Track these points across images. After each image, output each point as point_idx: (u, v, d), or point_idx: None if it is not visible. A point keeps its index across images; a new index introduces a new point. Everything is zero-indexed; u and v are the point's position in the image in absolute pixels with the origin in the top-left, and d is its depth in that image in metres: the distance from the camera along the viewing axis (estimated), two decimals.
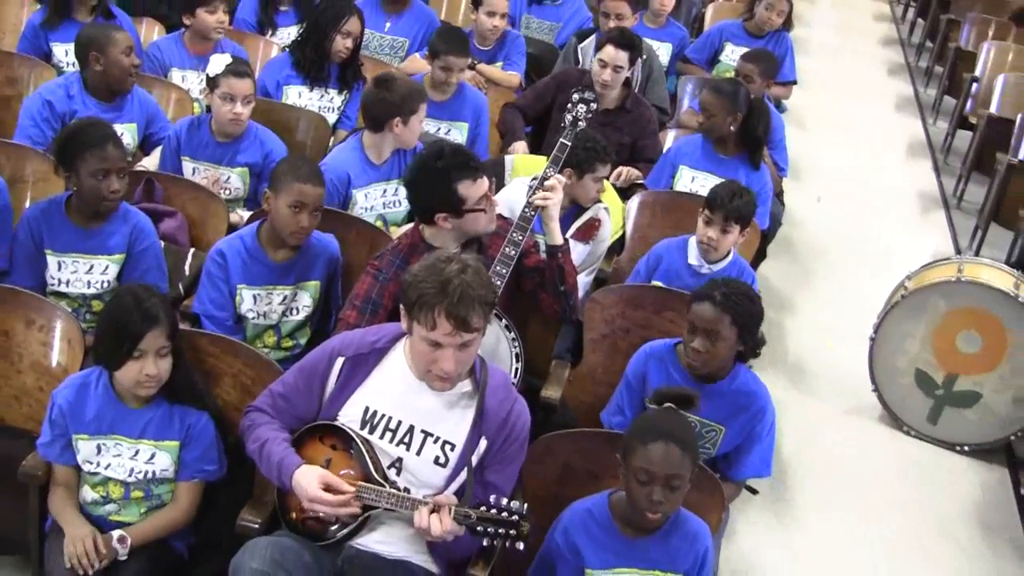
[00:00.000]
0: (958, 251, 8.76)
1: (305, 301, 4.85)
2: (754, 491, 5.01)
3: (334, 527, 3.71)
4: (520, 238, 4.51)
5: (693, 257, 5.33)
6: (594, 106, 4.95)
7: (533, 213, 4.64)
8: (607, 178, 5.69)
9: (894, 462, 6.41)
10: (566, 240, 4.75)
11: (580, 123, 4.90)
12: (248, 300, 4.73)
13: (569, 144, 4.81)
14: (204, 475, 4.02)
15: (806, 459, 6.10)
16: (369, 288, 4.43)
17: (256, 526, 3.86)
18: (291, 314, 4.85)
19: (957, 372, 6.43)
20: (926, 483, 6.27)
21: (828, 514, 5.84)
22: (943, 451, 6.55)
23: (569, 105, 4.91)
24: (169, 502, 4.01)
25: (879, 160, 10.81)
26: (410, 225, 4.74)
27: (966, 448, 6.54)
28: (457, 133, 6.40)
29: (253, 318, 4.76)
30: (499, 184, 5.70)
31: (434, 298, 3.50)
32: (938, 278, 6.41)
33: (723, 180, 5.67)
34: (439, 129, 6.38)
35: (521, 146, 6.62)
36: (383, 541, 3.71)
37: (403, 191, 5.57)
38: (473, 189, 4.43)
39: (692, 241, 5.36)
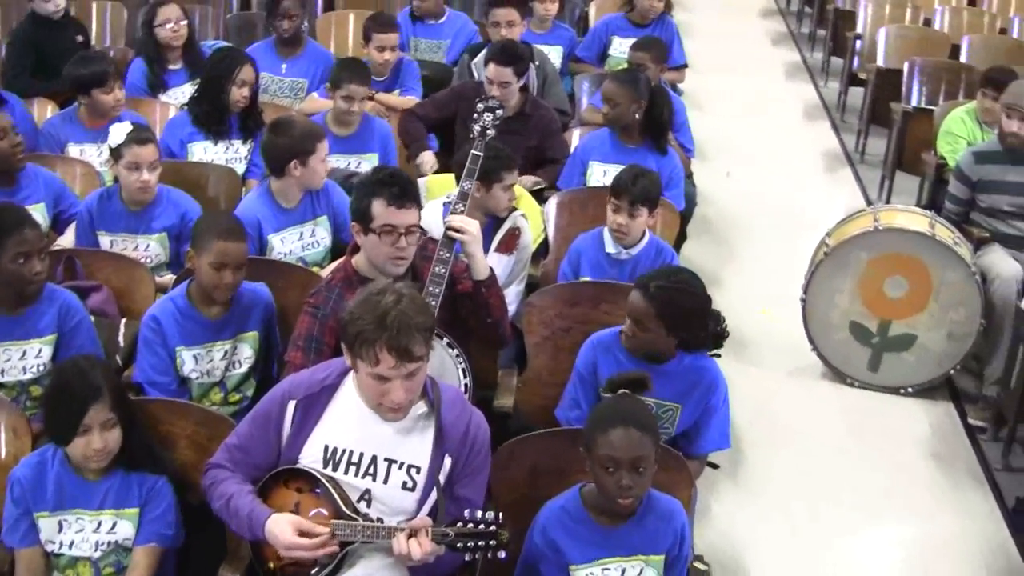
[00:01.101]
0: (868, 203, 8.91)
1: (246, 353, 4.85)
2: (715, 466, 5.06)
3: (314, 570, 3.70)
4: (447, 255, 4.49)
5: (610, 246, 5.41)
6: (500, 112, 4.96)
7: (452, 241, 4.57)
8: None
9: (844, 415, 6.54)
10: (490, 276, 4.67)
11: (489, 132, 4.91)
12: (189, 361, 4.72)
13: (481, 154, 4.83)
14: (161, 540, 3.97)
15: (760, 427, 6.19)
16: (309, 327, 4.43)
17: None
18: (234, 368, 4.84)
19: (890, 318, 6.56)
20: (878, 430, 6.41)
21: (792, 476, 5.95)
22: (888, 396, 6.69)
23: (475, 115, 4.95)
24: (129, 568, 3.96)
25: (779, 128, 10.98)
26: (343, 259, 4.75)
27: (909, 390, 6.69)
28: (367, 165, 6.41)
29: (197, 378, 4.75)
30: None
31: (373, 333, 3.50)
32: (856, 230, 6.55)
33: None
34: (348, 164, 6.40)
35: (428, 156, 6.66)
36: (365, 574, 3.71)
37: (320, 232, 5.59)
38: (385, 212, 4.36)
39: (606, 231, 5.44)
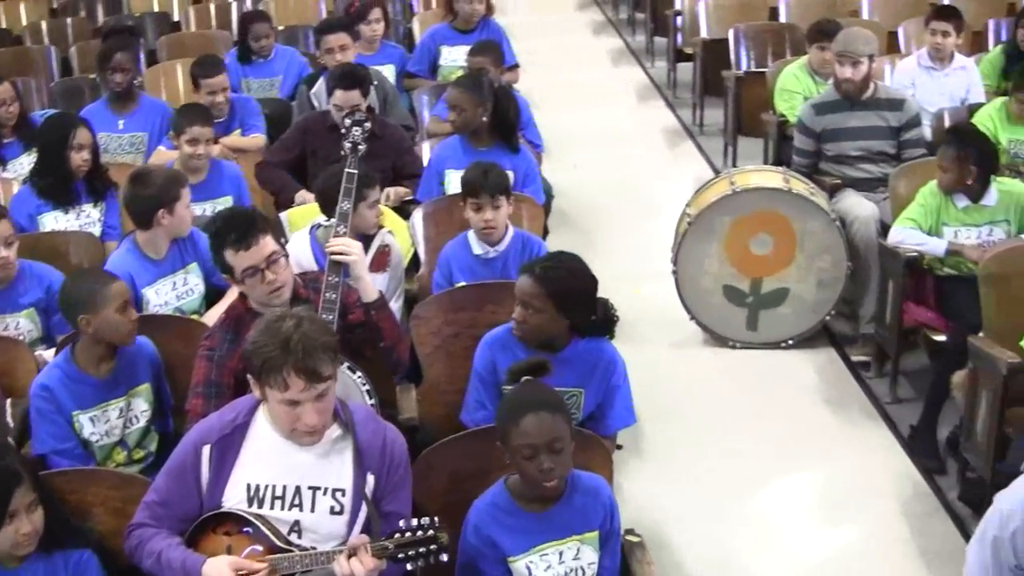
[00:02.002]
0: (716, 172, 9.08)
1: (142, 407, 4.79)
2: (618, 446, 5.13)
3: None
4: (335, 280, 4.49)
5: (477, 247, 5.48)
6: (368, 126, 4.97)
7: (339, 264, 4.59)
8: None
9: (731, 376, 6.71)
10: (378, 298, 4.70)
11: (360, 147, 4.91)
12: (87, 425, 4.64)
13: (355, 172, 4.82)
14: None
15: (653, 401, 6.23)
16: (207, 371, 4.39)
17: None
18: (132, 424, 4.77)
19: (760, 275, 6.73)
20: (767, 385, 6.59)
21: (694, 442, 6.09)
22: (771, 351, 6.87)
23: (344, 131, 4.95)
24: None
25: (616, 113, 11.16)
26: (233, 295, 4.71)
27: (790, 342, 6.87)
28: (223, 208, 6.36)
29: (97, 440, 4.67)
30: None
31: (279, 359, 3.50)
32: (715, 196, 6.71)
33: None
34: (205, 210, 6.34)
35: (308, 195, 6.63)
36: None
37: (192, 279, 5.55)
38: (236, 259, 4.39)
39: (470, 234, 5.50)
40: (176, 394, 4.85)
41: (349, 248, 4.53)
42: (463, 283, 5.41)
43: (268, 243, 4.43)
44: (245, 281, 4.40)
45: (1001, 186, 6.08)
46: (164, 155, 7.02)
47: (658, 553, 4.95)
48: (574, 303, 4.46)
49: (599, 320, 4.59)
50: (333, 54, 7.67)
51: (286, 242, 5.61)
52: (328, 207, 5.45)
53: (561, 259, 4.57)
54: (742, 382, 6.62)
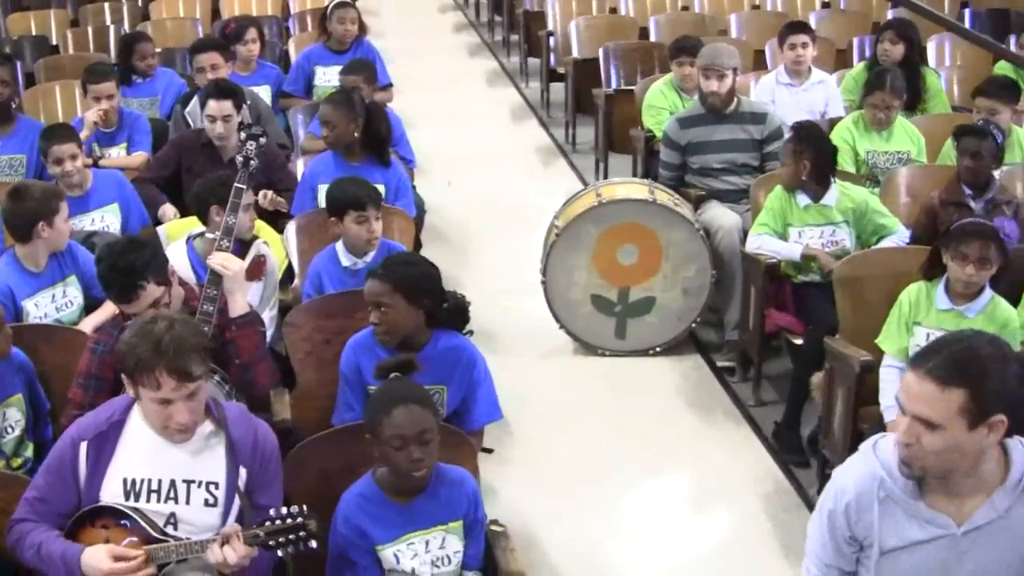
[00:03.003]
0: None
1: (15, 417, 4.80)
2: (489, 450, 5.28)
3: None
4: (214, 292, 4.59)
5: (345, 260, 5.63)
6: (263, 140, 5.05)
7: (219, 278, 4.67)
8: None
9: (602, 383, 6.89)
10: (246, 314, 4.75)
11: (252, 161, 4.99)
12: None
13: (244, 187, 4.90)
14: None
15: (525, 409, 6.39)
16: (89, 364, 4.52)
17: None
18: (6, 434, 4.79)
19: (628, 285, 6.94)
20: (636, 391, 6.79)
21: (565, 448, 6.25)
22: (639, 359, 7.08)
23: (234, 136, 5.03)
24: None
25: (490, 133, 11.33)
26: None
27: (657, 349, 7.08)
28: (111, 216, 6.41)
29: None
30: None
31: (151, 359, 3.62)
32: (582, 208, 6.90)
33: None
34: (93, 220, 6.38)
35: (168, 208, 6.71)
36: None
37: (71, 291, 5.60)
38: (128, 307, 4.52)
39: (338, 246, 5.66)
40: (55, 400, 4.90)
41: (228, 263, 4.65)
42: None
43: (152, 291, 4.51)
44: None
45: (843, 189, 6.33)
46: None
47: (528, 551, 5.13)
48: (420, 291, 4.65)
49: (451, 309, 4.78)
50: (205, 73, 7.78)
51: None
52: (202, 212, 5.55)
53: (399, 255, 4.84)
54: (612, 388, 6.81)
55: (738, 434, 6.35)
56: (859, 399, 5.31)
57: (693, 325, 7.06)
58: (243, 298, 4.75)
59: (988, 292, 5.21)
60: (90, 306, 5.63)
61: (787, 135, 7.42)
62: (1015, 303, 5.34)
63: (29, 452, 4.87)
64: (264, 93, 8.49)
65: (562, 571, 5.27)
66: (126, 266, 4.47)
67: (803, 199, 6.30)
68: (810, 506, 5.64)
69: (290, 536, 3.60)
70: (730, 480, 5.96)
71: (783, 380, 6.58)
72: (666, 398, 6.71)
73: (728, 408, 6.59)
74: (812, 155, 6.23)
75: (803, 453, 5.99)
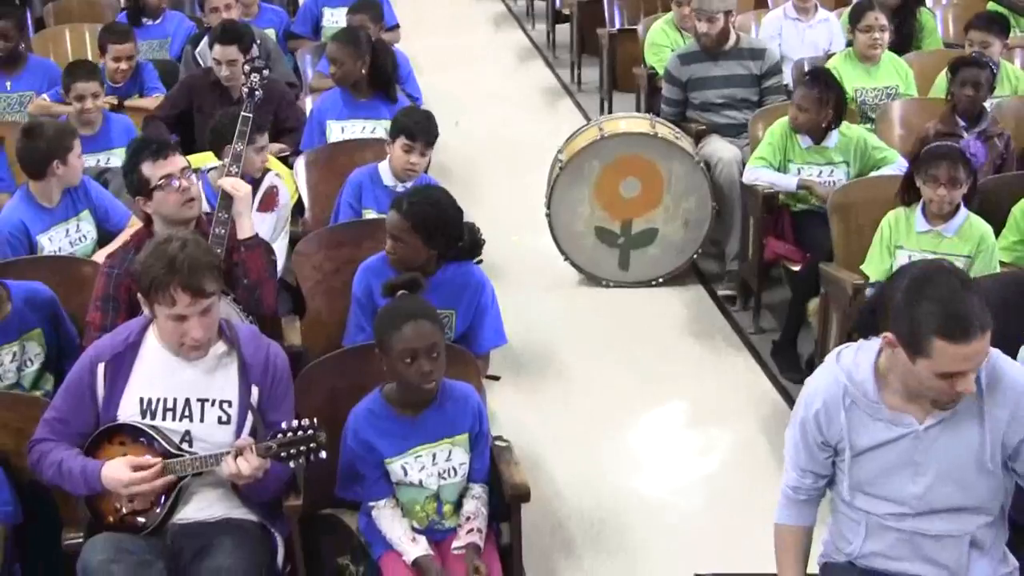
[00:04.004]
0: None
1: (35, 351, 4.92)
2: (496, 377, 5.42)
3: (157, 510, 3.92)
4: (225, 216, 4.75)
5: (388, 179, 5.78)
6: (267, 72, 5.23)
7: (230, 202, 4.83)
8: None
9: (605, 314, 7.05)
10: (252, 236, 4.91)
11: (257, 92, 5.16)
12: None
13: (251, 115, 5.08)
14: (2, 517, 4.10)
15: (531, 339, 6.59)
16: (105, 286, 4.66)
17: (81, 539, 3.98)
18: (27, 366, 4.91)
19: (630, 217, 7.09)
20: (639, 321, 6.96)
21: (569, 376, 6.43)
22: (643, 290, 7.25)
23: (243, 78, 5.18)
24: None
25: (497, 75, 11.48)
26: (126, 235, 4.93)
27: (660, 280, 7.25)
28: (116, 160, 6.53)
29: None
30: None
31: (166, 276, 3.77)
32: (585, 142, 7.05)
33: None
34: (99, 161, 6.53)
35: None
36: (201, 508, 3.97)
37: (84, 226, 5.74)
38: (154, 168, 4.66)
39: (381, 166, 5.81)
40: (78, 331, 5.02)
41: (237, 185, 4.81)
42: (372, 211, 5.72)
43: (180, 159, 4.76)
44: (157, 194, 4.66)
45: (842, 130, 6.44)
46: (45, 105, 7.19)
47: (532, 471, 5.26)
48: (439, 234, 4.77)
49: (466, 245, 4.91)
50: (218, 12, 7.88)
51: None
52: (219, 146, 5.70)
53: (427, 193, 4.90)
54: (615, 319, 6.97)
55: (738, 360, 6.53)
56: (852, 321, 5.44)
57: (695, 256, 7.22)
58: (250, 221, 4.91)
59: (963, 211, 5.39)
60: (103, 240, 5.78)
61: (788, 70, 7.60)
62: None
63: (49, 385, 4.99)
64: (270, 35, 8.59)
65: (565, 492, 5.44)
66: (159, 135, 4.73)
67: (806, 140, 6.42)
68: None
69: (301, 448, 3.76)
70: (730, 403, 6.14)
71: (782, 309, 6.72)
72: (668, 327, 6.88)
73: (729, 336, 6.76)
74: (834, 102, 6.35)
75: (801, 371, 6.15)
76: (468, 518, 4.10)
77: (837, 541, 3.64)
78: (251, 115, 5.10)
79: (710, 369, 6.46)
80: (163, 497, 3.93)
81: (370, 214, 5.72)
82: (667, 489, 5.53)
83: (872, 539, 3.52)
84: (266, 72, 5.23)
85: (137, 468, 3.83)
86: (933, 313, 3.13)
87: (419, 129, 5.72)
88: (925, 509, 3.42)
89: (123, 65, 7.50)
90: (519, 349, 6.46)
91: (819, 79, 6.45)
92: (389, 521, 4.06)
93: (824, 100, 6.31)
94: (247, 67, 5.24)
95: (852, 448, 3.45)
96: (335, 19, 8.76)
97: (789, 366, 6.26)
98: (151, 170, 4.66)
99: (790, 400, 6.04)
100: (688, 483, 5.59)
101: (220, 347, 4.01)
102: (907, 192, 5.46)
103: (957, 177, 5.26)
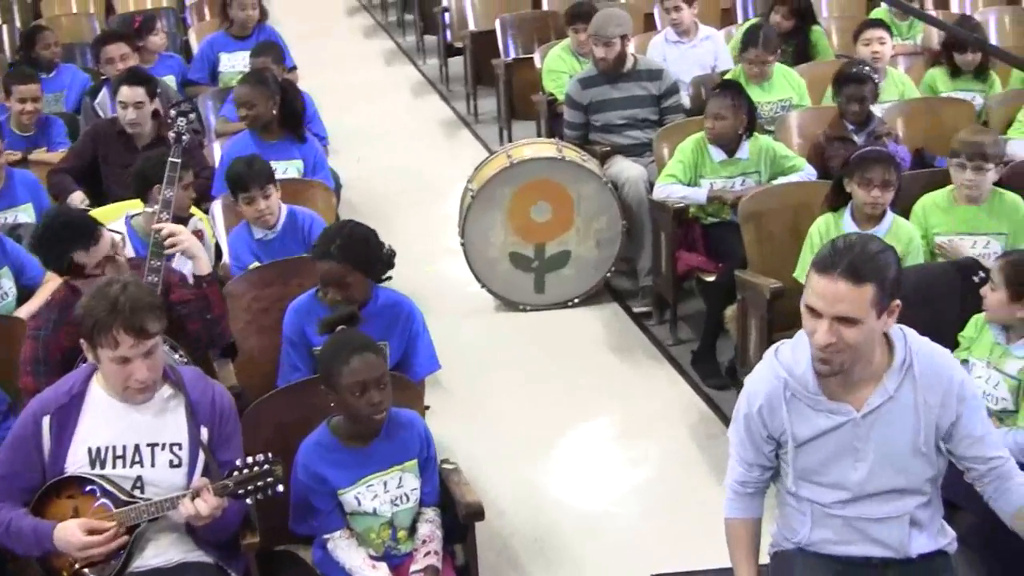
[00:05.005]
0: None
1: None
2: (425, 407, 5.49)
3: (113, 562, 3.90)
4: (157, 264, 4.75)
5: (257, 233, 5.88)
6: (192, 116, 5.25)
7: (162, 249, 4.80)
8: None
9: (526, 337, 7.18)
10: (211, 272, 4.99)
11: (184, 136, 5.18)
12: None
13: (179, 160, 5.08)
14: None
15: (455, 367, 6.58)
16: (33, 350, 4.60)
17: None
18: None
19: (543, 240, 7.24)
20: (559, 341, 7.09)
21: (497, 399, 6.55)
22: (560, 311, 7.39)
23: (170, 121, 5.21)
24: None
25: (393, 111, 11.56)
26: (47, 291, 4.92)
27: (576, 301, 7.39)
28: (25, 215, 6.53)
29: None
30: None
31: (109, 319, 3.79)
32: (494, 170, 7.18)
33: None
34: (5, 219, 6.49)
35: (78, 194, 6.77)
36: (157, 554, 3.97)
37: (5, 283, 5.66)
38: (89, 256, 4.62)
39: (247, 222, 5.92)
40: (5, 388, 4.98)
41: (176, 232, 4.83)
42: (255, 265, 5.77)
43: (107, 236, 4.71)
44: (90, 277, 4.60)
45: (753, 139, 6.64)
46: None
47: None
48: (372, 261, 4.90)
49: (384, 262, 5.02)
50: (114, 64, 7.88)
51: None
52: (144, 191, 5.70)
53: (343, 231, 4.94)
54: (535, 341, 7.10)
55: (660, 372, 6.67)
56: (771, 325, 5.60)
57: (608, 275, 7.37)
58: (206, 257, 4.96)
59: (890, 214, 5.57)
60: (22, 296, 5.75)
61: (685, 90, 7.79)
62: None
63: None
64: (170, 83, 8.60)
65: (506, 511, 5.51)
66: (79, 214, 4.73)
67: (719, 154, 6.61)
68: None
69: (258, 483, 3.81)
70: (657, 414, 6.28)
71: (697, 319, 6.89)
72: (589, 345, 7.01)
73: (648, 349, 6.91)
74: (748, 109, 6.54)
75: (722, 377, 6.37)
76: (424, 541, 4.18)
77: (785, 532, 3.79)
78: (179, 160, 5.10)
79: (634, 383, 6.59)
80: (119, 551, 3.91)
81: (256, 266, 5.78)
82: (605, 500, 5.63)
83: (818, 527, 3.68)
84: (192, 116, 5.26)
85: (92, 531, 3.83)
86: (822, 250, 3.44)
87: (245, 177, 5.79)
88: (866, 493, 3.58)
89: (29, 107, 7.47)
90: (444, 376, 6.50)
91: (729, 88, 6.66)
92: (347, 551, 4.12)
93: (738, 107, 6.51)
94: (173, 111, 5.25)
95: (795, 439, 3.60)
96: (232, 64, 8.83)
97: (710, 374, 6.43)
98: (85, 258, 4.62)
99: (715, 407, 6.21)
100: (624, 493, 5.69)
101: (166, 390, 4.03)
102: (836, 197, 5.63)
103: (889, 180, 5.45)
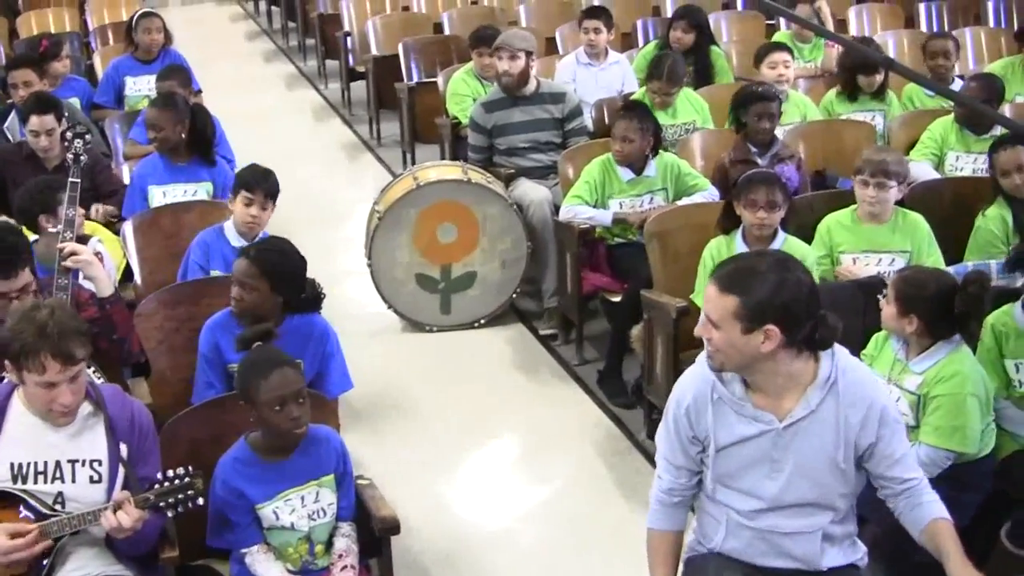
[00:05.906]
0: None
1: None
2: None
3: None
4: (65, 282, 4.79)
5: (234, 240, 5.85)
6: (89, 137, 5.31)
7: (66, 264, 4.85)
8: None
9: (432, 358, 7.27)
10: (114, 293, 5.03)
11: (82, 157, 5.23)
12: None
13: (78, 181, 5.12)
14: None
15: (366, 388, 6.64)
16: None
17: None
18: None
19: (449, 262, 7.35)
20: (465, 362, 7.20)
21: (403, 418, 6.60)
22: (466, 332, 7.49)
23: (66, 144, 5.24)
24: None
25: (295, 135, 11.60)
26: None
27: (482, 321, 7.50)
28: None
29: None
30: None
31: (36, 344, 3.82)
32: (400, 192, 7.28)
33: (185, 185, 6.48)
34: None
35: None
36: (78, 568, 4.01)
37: None
38: (8, 285, 4.63)
39: (227, 225, 5.90)
40: None
41: (78, 251, 4.86)
42: (218, 272, 5.78)
43: (26, 272, 4.69)
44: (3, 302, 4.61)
45: (659, 158, 6.80)
46: None
47: None
48: (286, 281, 4.95)
49: (308, 297, 5.08)
50: (18, 89, 7.85)
51: None
52: (31, 223, 5.73)
53: (274, 242, 5.08)
54: (442, 361, 7.20)
55: (566, 391, 6.80)
56: (678, 344, 5.75)
57: (514, 296, 7.49)
58: (107, 278, 5.00)
59: (782, 234, 5.72)
60: None
61: (587, 112, 7.95)
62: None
63: None
64: (74, 105, 8.59)
65: (417, 526, 5.55)
66: (9, 245, 4.66)
67: (627, 174, 6.75)
68: (639, 448, 6.14)
69: (179, 495, 3.89)
70: (563, 432, 6.40)
71: (603, 339, 7.03)
72: (495, 365, 7.13)
73: (554, 369, 7.04)
74: (654, 130, 6.70)
75: (628, 396, 6.52)
76: (340, 555, 4.26)
77: (700, 538, 3.91)
78: (79, 180, 5.14)
79: (540, 402, 6.72)
80: (42, 561, 3.95)
81: (217, 274, 5.78)
82: (512, 516, 5.74)
83: (731, 537, 3.79)
84: (88, 137, 5.32)
85: (14, 535, 3.86)
86: None
87: (256, 180, 5.84)
88: (780, 504, 3.70)
89: None
90: (353, 396, 6.56)
91: (635, 110, 6.82)
92: (264, 565, 4.19)
93: (645, 129, 6.66)
94: (69, 134, 5.30)
95: (716, 443, 3.71)
96: (137, 87, 8.84)
97: (616, 392, 6.58)
98: (4, 287, 4.63)
99: (621, 425, 6.35)
100: (532, 509, 5.80)
101: (86, 407, 4.07)
102: (727, 219, 5.77)
103: (775, 200, 5.58)
